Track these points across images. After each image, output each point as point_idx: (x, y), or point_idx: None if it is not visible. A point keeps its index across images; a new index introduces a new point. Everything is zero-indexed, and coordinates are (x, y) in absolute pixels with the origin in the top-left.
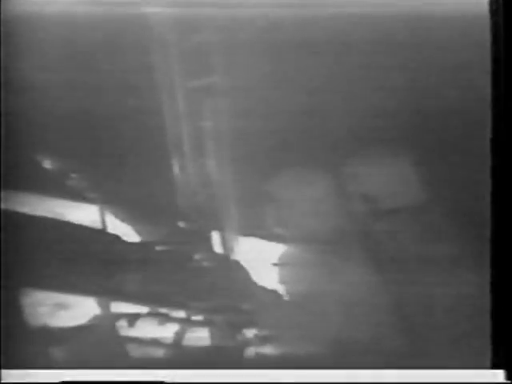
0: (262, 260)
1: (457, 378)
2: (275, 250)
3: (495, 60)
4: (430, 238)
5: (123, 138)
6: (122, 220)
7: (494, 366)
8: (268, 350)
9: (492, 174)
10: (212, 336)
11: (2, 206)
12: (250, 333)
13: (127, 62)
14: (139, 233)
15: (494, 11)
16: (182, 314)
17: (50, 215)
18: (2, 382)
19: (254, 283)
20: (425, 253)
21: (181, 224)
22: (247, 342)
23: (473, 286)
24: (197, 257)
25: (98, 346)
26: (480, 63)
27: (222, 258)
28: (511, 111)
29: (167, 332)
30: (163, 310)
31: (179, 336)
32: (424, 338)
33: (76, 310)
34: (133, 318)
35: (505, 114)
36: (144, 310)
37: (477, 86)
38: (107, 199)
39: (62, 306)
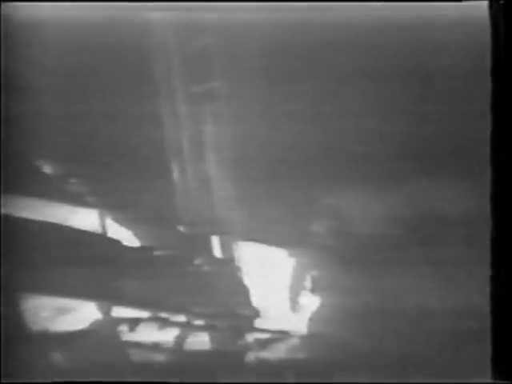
0: (263, 264)
1: None
2: (275, 254)
3: (495, 62)
4: None
5: (124, 143)
6: (123, 224)
7: (495, 377)
8: (268, 354)
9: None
10: (212, 340)
11: (3, 211)
12: (250, 337)
13: (128, 66)
14: (139, 237)
15: (493, 14)
16: (182, 318)
17: (50, 220)
18: (3, 382)
19: (254, 287)
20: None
21: (181, 229)
22: (248, 347)
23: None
24: (197, 261)
25: (99, 350)
26: (480, 65)
27: (222, 262)
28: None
29: (168, 336)
30: (163, 315)
31: (180, 340)
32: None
33: (77, 314)
34: (133, 323)
35: (505, 114)
36: (144, 314)
37: (477, 91)
38: (108, 204)
39: (62, 311)
